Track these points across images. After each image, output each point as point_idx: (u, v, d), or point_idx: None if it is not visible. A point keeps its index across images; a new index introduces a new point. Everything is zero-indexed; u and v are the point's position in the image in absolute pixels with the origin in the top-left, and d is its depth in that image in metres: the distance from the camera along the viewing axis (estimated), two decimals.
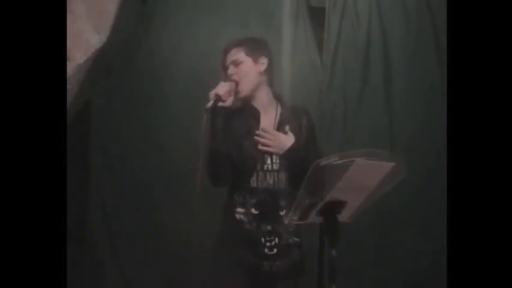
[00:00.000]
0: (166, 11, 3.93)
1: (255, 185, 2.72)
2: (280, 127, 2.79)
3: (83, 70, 3.37)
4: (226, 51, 2.84)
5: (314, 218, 2.31)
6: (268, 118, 2.81)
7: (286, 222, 2.54)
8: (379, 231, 3.75)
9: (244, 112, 2.81)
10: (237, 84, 2.76)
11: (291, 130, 2.77)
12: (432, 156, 3.80)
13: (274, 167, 2.74)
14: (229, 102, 2.71)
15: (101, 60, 3.53)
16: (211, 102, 2.66)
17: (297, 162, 2.70)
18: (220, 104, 2.67)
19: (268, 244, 2.69)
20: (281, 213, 2.71)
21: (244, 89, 2.78)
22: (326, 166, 2.22)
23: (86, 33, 3.38)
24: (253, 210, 2.71)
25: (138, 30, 3.89)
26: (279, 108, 2.84)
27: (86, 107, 3.79)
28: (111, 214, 3.81)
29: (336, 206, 2.29)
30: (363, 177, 2.26)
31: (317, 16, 3.94)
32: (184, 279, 3.61)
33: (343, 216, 2.33)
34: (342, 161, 2.21)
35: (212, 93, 2.69)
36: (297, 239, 2.77)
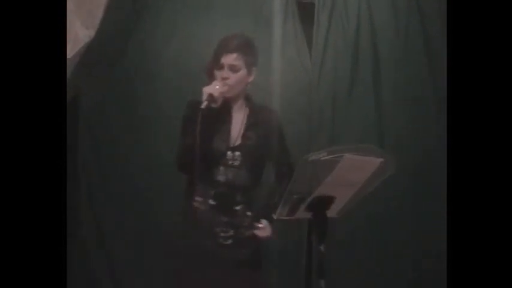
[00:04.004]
0: (157, 7, 3.92)
1: (215, 178, 2.79)
2: (247, 130, 2.86)
3: (71, 65, 3.35)
4: (225, 50, 2.82)
5: (302, 213, 2.32)
6: (236, 119, 2.88)
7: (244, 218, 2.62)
8: (368, 226, 3.77)
9: (219, 109, 2.81)
10: (228, 87, 2.79)
11: (258, 132, 2.86)
12: (421, 152, 3.82)
13: (235, 163, 2.81)
14: (218, 103, 2.75)
15: (89, 55, 3.51)
16: (205, 102, 2.69)
17: (259, 161, 2.86)
18: (212, 105, 2.71)
19: (223, 234, 2.78)
20: (236, 207, 2.80)
21: (230, 94, 2.82)
22: (315, 161, 2.22)
23: (75, 27, 3.36)
24: (211, 201, 2.78)
25: (127, 26, 3.87)
26: (247, 112, 2.90)
27: (74, 103, 3.77)
28: (100, 213, 3.82)
29: (325, 201, 2.30)
30: (351, 172, 2.26)
31: (306, 11, 3.94)
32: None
33: (332, 211, 2.33)
34: (330, 156, 2.22)
35: (206, 92, 2.71)
36: (251, 233, 2.83)
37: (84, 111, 3.83)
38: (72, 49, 3.34)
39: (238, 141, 2.85)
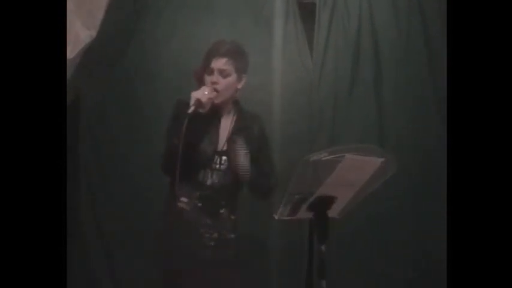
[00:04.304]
0: (157, 7, 3.91)
1: (201, 180, 2.83)
2: (233, 135, 2.87)
3: (72, 65, 3.35)
4: (215, 54, 2.84)
5: (304, 213, 2.32)
6: (224, 124, 2.90)
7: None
8: (368, 226, 3.76)
9: (207, 114, 2.83)
10: (216, 91, 2.81)
11: (244, 138, 2.86)
12: (422, 152, 3.82)
13: (222, 167, 2.84)
14: (206, 109, 2.77)
15: (89, 56, 3.51)
16: (192, 107, 2.71)
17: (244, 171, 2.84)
18: (200, 110, 2.73)
19: (207, 235, 2.81)
20: (221, 210, 2.84)
21: (219, 99, 2.84)
22: (316, 161, 2.22)
23: (76, 28, 3.36)
24: (197, 203, 2.81)
25: (128, 26, 3.87)
26: (235, 117, 2.92)
27: (74, 103, 3.76)
28: (100, 213, 3.81)
29: (326, 201, 2.30)
30: (352, 172, 2.26)
31: (307, 11, 3.93)
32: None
33: (333, 211, 2.33)
34: (331, 156, 2.22)
35: (194, 97, 2.73)
36: (232, 236, 2.87)
37: (85, 112, 3.82)
38: (73, 50, 3.33)
39: (226, 146, 2.86)
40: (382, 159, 2.28)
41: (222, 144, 2.87)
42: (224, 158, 2.85)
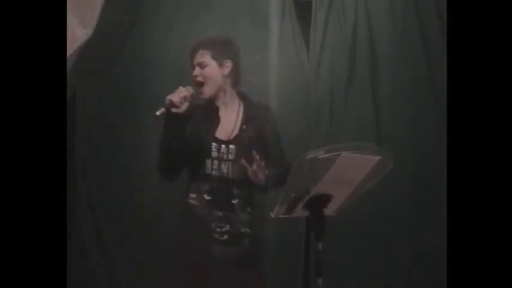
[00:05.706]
0: (154, 5, 3.92)
1: (209, 172, 2.81)
2: (244, 124, 2.88)
3: (68, 64, 3.36)
4: (193, 52, 2.92)
5: (300, 211, 2.32)
6: (230, 115, 2.90)
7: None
8: (366, 225, 3.76)
9: (203, 107, 2.89)
10: (201, 85, 2.87)
11: (254, 127, 2.87)
12: (420, 151, 3.82)
13: (230, 157, 2.83)
14: (183, 108, 2.78)
15: (87, 54, 3.52)
16: (161, 109, 2.73)
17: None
18: (173, 110, 2.75)
19: (218, 230, 2.78)
20: (233, 201, 2.82)
21: (208, 91, 2.88)
22: (312, 159, 2.22)
23: (72, 26, 3.37)
24: (206, 196, 2.80)
25: (125, 24, 3.87)
26: (242, 107, 2.93)
27: (72, 102, 3.77)
28: (100, 213, 3.81)
29: (322, 199, 2.30)
30: (349, 170, 2.26)
31: (304, 10, 3.94)
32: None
33: (329, 209, 2.34)
34: (328, 154, 2.22)
35: (167, 99, 2.77)
36: (248, 230, 2.84)
37: (82, 111, 3.82)
38: (70, 48, 3.35)
39: (234, 135, 2.87)
40: (379, 157, 2.29)
41: (229, 133, 2.87)
42: (231, 146, 2.84)
